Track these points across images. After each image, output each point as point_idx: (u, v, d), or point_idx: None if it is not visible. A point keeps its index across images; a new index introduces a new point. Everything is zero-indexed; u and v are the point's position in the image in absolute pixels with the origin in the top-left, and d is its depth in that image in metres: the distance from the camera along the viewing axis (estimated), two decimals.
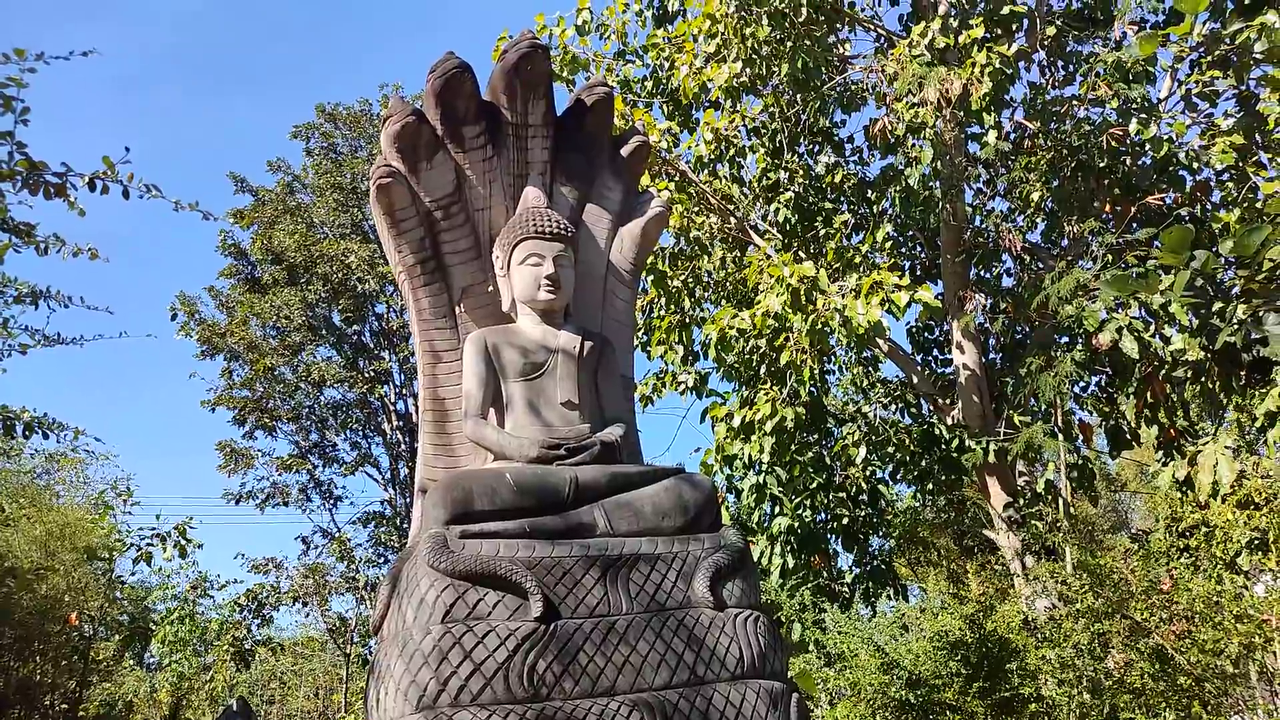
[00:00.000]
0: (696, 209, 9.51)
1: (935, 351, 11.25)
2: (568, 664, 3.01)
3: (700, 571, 3.37)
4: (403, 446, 19.05)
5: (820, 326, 6.88)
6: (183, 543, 12.95)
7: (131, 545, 12.53)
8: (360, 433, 19.70)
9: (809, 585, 8.09)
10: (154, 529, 12.20)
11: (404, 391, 19.49)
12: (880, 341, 9.79)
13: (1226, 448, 5.72)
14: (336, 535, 18.99)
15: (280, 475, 18.92)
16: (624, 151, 4.69)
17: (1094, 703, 4.91)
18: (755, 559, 8.65)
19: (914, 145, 7.37)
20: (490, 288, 4.32)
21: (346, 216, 19.01)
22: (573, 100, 4.67)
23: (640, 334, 10.30)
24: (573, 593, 3.17)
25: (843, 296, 7.01)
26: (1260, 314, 4.13)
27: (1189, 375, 5.53)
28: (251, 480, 18.75)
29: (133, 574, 15.14)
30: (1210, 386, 5.25)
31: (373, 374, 18.88)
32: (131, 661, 19.51)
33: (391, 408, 19.19)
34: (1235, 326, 4.17)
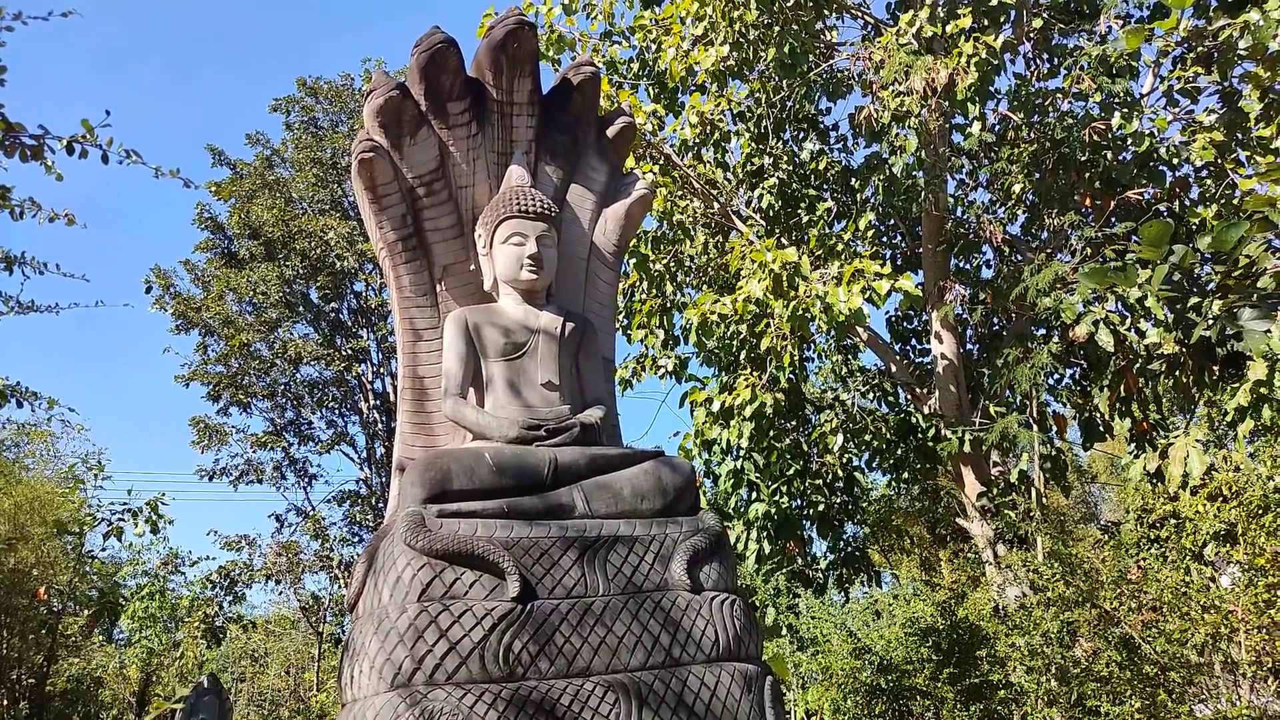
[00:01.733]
0: (680, 193, 9.48)
1: (914, 341, 11.31)
2: (544, 644, 3.01)
3: (678, 554, 3.37)
4: (379, 425, 18.94)
5: (801, 313, 6.89)
6: (155, 518, 12.87)
7: (102, 520, 12.43)
8: (336, 411, 19.56)
9: (784, 571, 8.14)
10: (125, 504, 12.10)
11: (381, 370, 19.36)
12: (860, 330, 9.84)
13: (1197, 441, 5.80)
14: (311, 514, 18.88)
15: (255, 452, 18.77)
16: (609, 132, 4.66)
17: (1061, 690, 4.99)
18: (732, 544, 8.70)
19: (899, 134, 7.38)
20: (472, 266, 4.28)
21: (326, 192, 18.80)
22: (559, 79, 4.62)
23: (621, 317, 10.28)
24: (550, 573, 3.16)
25: (824, 284, 7.02)
26: (1235, 309, 4.17)
27: (1163, 369, 5.60)
28: (225, 457, 18.61)
29: (103, 549, 15.00)
30: (1184, 380, 5.32)
31: (350, 352, 18.74)
32: (101, 637, 19.36)
33: (369, 386, 19.06)
34: (1210, 321, 4.21)
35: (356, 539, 18.78)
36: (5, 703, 12.80)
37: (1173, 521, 5.10)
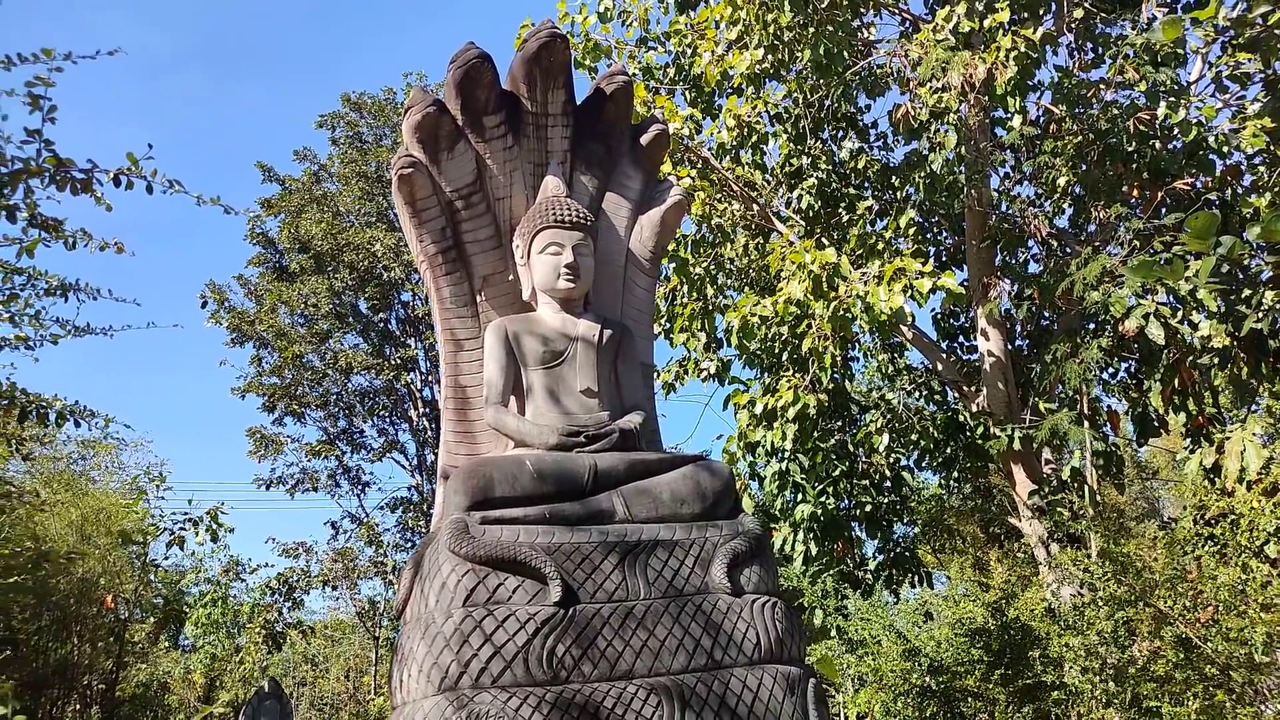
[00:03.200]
0: (718, 196, 9.48)
1: (961, 338, 11.18)
2: (586, 648, 3.06)
3: (718, 558, 3.40)
4: (429, 433, 19.22)
5: (842, 313, 6.86)
6: (215, 527, 13.20)
7: (165, 530, 12.78)
8: (387, 419, 19.90)
9: (831, 572, 8.09)
10: (186, 513, 12.43)
11: (430, 378, 19.65)
12: (904, 328, 9.75)
13: (1255, 434, 5.66)
14: (365, 520, 19.23)
15: (309, 461, 19.20)
16: (643, 140, 4.70)
17: (1117, 690, 4.89)
18: (778, 546, 8.68)
19: (938, 130, 7.29)
20: (510, 276, 4.35)
21: (372, 205, 19.15)
22: (592, 89, 4.68)
23: (663, 321, 10.31)
24: (591, 578, 3.21)
25: (865, 283, 6.98)
26: None
27: (1215, 362, 5.47)
28: (281, 466, 19.05)
29: (165, 558, 15.42)
30: (1237, 373, 5.18)
31: (399, 361, 19.05)
32: (167, 643, 19.91)
33: (417, 394, 19.35)
34: (1261, 313, 4.11)
35: (409, 545, 19.09)
36: (78, 707, 13.23)
37: (1228, 518, 4.98)
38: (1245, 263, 4.69)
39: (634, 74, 10.36)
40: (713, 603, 3.30)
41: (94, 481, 15.85)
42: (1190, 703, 4.77)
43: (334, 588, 18.96)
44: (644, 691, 3.01)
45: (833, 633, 6.88)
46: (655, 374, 11.99)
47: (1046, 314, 9.62)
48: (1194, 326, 6.30)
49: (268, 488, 19.01)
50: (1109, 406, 9.60)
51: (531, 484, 3.38)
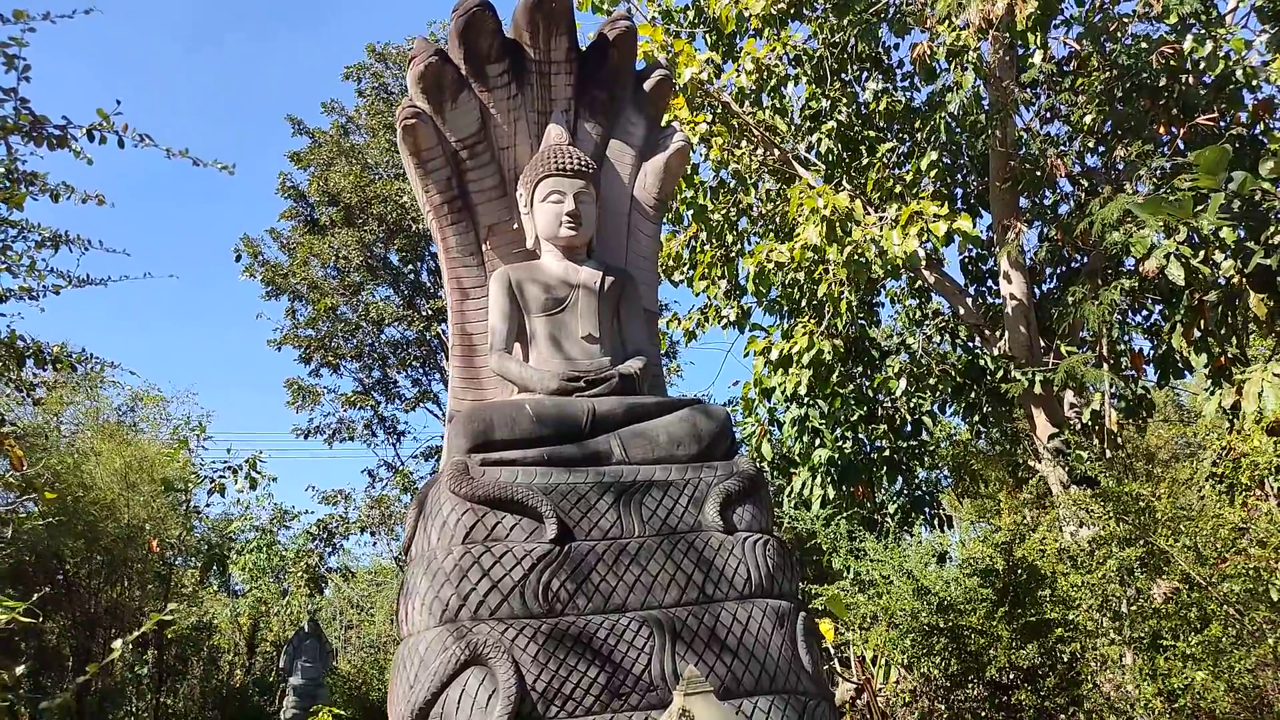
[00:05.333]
0: (739, 141, 9.40)
1: (990, 282, 11.06)
2: (580, 582, 3.18)
3: (711, 497, 3.49)
4: None
5: (857, 258, 6.84)
6: (254, 475, 13.61)
7: (205, 478, 13.22)
8: (420, 370, 20.19)
9: (846, 515, 8.17)
10: (225, 462, 12.84)
11: None
12: (928, 273, 9.67)
13: (1276, 374, 5.59)
14: (400, 469, 19.65)
15: (346, 411, 19.58)
16: (646, 86, 4.70)
17: (1114, 626, 4.95)
18: (797, 490, 8.77)
19: (955, 69, 7.15)
20: (515, 225, 4.42)
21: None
22: (595, 35, 4.67)
23: (685, 269, 10.32)
24: (587, 517, 3.32)
25: (880, 227, 6.94)
26: None
27: (1221, 299, 5.38)
28: (319, 416, 19.45)
29: (207, 505, 15.91)
30: (1242, 312, 5.11)
31: (430, 312, 19.25)
32: (215, 588, 20.64)
33: (448, 345, 19.58)
34: (1264, 249, 4.05)
35: None
36: (132, 648, 13.84)
37: (1227, 455, 4.96)
38: (1258, 199, 4.59)
39: (653, 18, 10.22)
40: (705, 540, 3.40)
41: (142, 432, 16.34)
42: (1209, 631, 4.76)
43: (371, 534, 19.47)
44: (636, 623, 3.13)
45: (847, 573, 6.99)
46: (665, 320, 12.01)
47: (1077, 256, 9.48)
48: (1216, 266, 6.20)
49: (306, 437, 19.46)
50: (1140, 349, 9.49)
51: (530, 427, 3.48)
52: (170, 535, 13.49)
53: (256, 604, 19.91)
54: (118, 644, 2.42)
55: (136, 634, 2.83)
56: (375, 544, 21.12)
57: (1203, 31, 6.86)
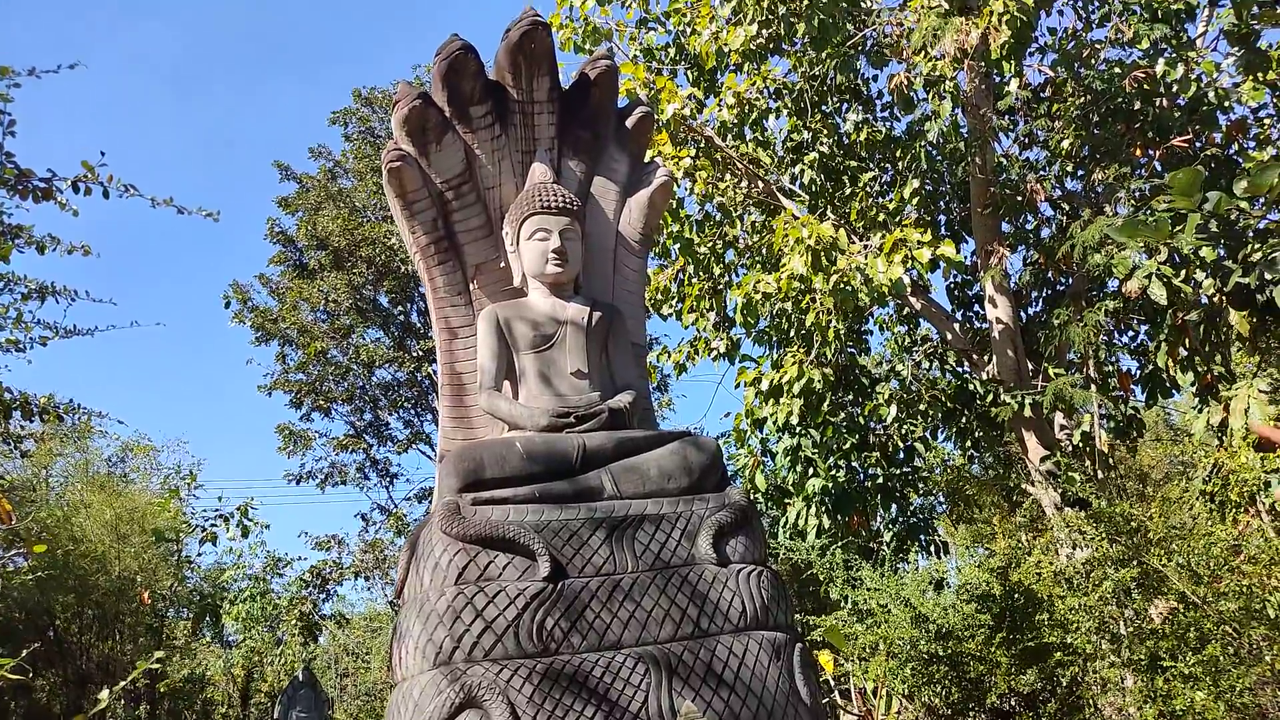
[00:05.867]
0: (723, 174, 9.50)
1: (977, 307, 11.14)
2: (575, 620, 3.16)
3: (704, 530, 3.48)
4: None
5: (843, 286, 6.88)
6: (247, 523, 13.51)
7: (197, 527, 13.11)
8: (412, 411, 20.13)
9: (842, 544, 8.14)
10: (217, 510, 12.75)
11: None
12: (914, 299, 9.74)
13: (1262, 390, 5.63)
14: (394, 512, 19.51)
15: (338, 455, 19.47)
16: (628, 123, 4.76)
17: (1112, 649, 4.92)
18: (792, 521, 8.74)
19: (933, 98, 7.26)
20: (502, 264, 4.44)
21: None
22: (577, 74, 4.73)
23: (674, 303, 10.37)
24: (579, 553, 3.30)
25: (864, 255, 7.00)
26: (1273, 255, 4.06)
27: (1201, 318, 5.43)
28: (311, 460, 19.34)
29: (199, 554, 15.80)
30: (1224, 330, 5.15)
31: (420, 353, 19.24)
32: (210, 639, 20.38)
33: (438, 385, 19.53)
34: (1241, 268, 4.10)
35: None
36: (123, 702, 13.62)
37: (1218, 474, 4.98)
38: (1233, 218, 4.66)
39: (635, 55, 10.37)
40: (699, 573, 3.38)
41: (132, 483, 16.23)
42: (1208, 650, 4.75)
43: (366, 579, 19.28)
44: (632, 660, 3.10)
45: (844, 603, 6.95)
46: (655, 353, 11.99)
47: (1061, 279, 9.57)
48: (1198, 285, 6.26)
49: (298, 482, 19.33)
50: (1128, 370, 9.54)
51: (521, 464, 3.48)
52: (162, 586, 13.35)
53: (250, 654, 19.65)
54: (104, 694, 2.39)
55: (124, 684, 2.79)
56: (370, 589, 20.90)
57: (1174, 55, 7.00)
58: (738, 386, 9.14)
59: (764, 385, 7.98)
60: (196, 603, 15.96)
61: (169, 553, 13.76)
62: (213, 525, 12.67)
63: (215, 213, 4.79)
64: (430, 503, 19.76)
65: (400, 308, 19.71)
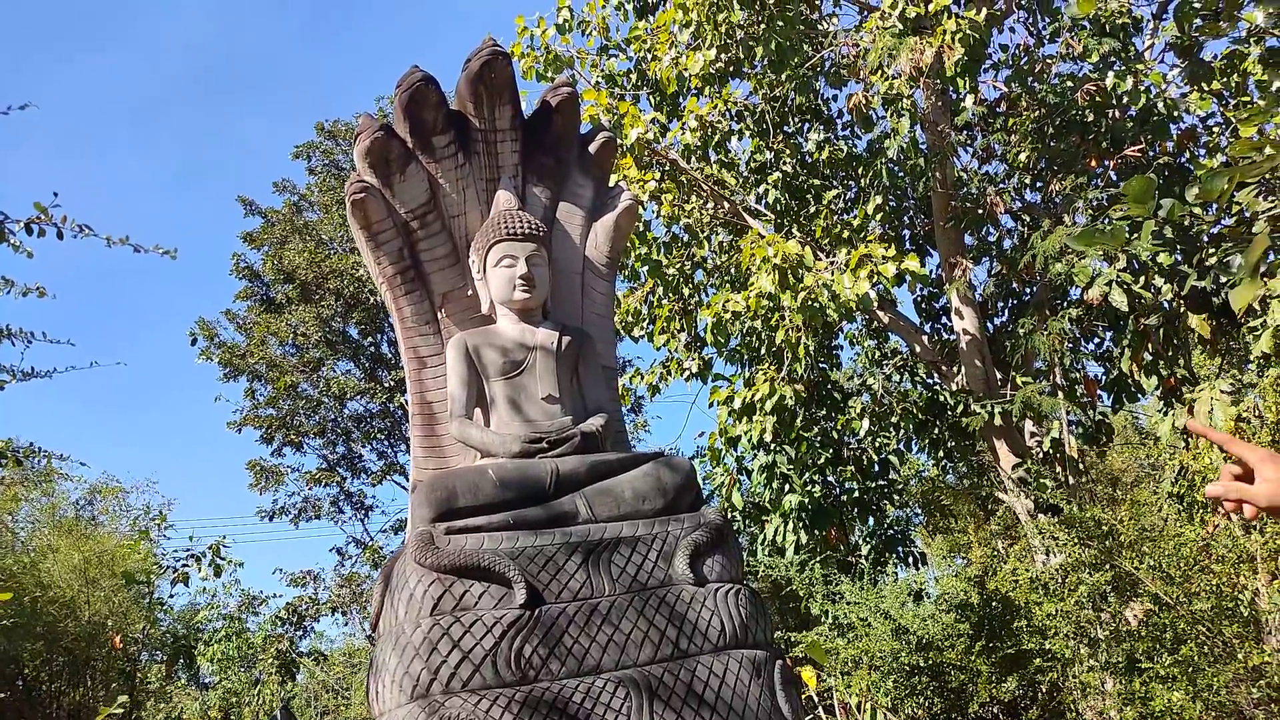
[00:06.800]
0: (689, 196, 9.58)
1: (945, 319, 11.27)
2: (553, 646, 3.14)
3: (680, 550, 3.47)
4: None
5: (811, 303, 6.95)
6: (219, 562, 13.29)
7: (168, 568, 12.87)
8: (385, 442, 19.98)
9: (820, 559, 8.16)
10: (189, 550, 12.53)
11: None
12: (882, 313, 9.84)
13: (1224, 391, 5.74)
14: (369, 545, 19.30)
15: (311, 489, 19.27)
16: (591, 148, 4.79)
17: (1089, 652, 4.97)
18: (770, 537, 8.75)
19: (892, 116, 7.39)
20: (470, 291, 4.44)
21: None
22: (539, 103, 4.77)
23: (645, 324, 10.40)
24: (555, 579, 3.29)
25: (831, 272, 7.08)
26: (1227, 258, 4.16)
27: (1160, 323, 5.54)
28: (283, 496, 19.13)
29: (171, 595, 15.51)
30: (1184, 333, 5.26)
31: (392, 384, 19.13)
32: (185, 681, 19.98)
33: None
34: (1197, 272, 4.19)
35: None
36: None
37: (1185, 475, 5.06)
38: (1187, 224, 4.77)
39: (597, 82, 10.45)
40: (676, 594, 3.38)
41: (101, 525, 15.91)
42: (1183, 650, 4.80)
43: (343, 614, 19.03)
44: (612, 685, 3.09)
45: (824, 618, 6.96)
46: (628, 375, 12.01)
47: (1026, 289, 9.72)
48: (1157, 291, 6.39)
49: (271, 519, 19.10)
50: (1094, 376, 9.68)
51: (494, 492, 3.46)
52: (134, 630, 13.07)
53: (227, 695, 19.29)
54: None
55: None
56: (348, 624, 20.61)
57: (1123, 68, 7.17)
58: (711, 405, 9.17)
59: (737, 404, 8.02)
60: (170, 645, 15.65)
61: (140, 595, 13.49)
62: (184, 566, 12.44)
63: (173, 250, 4.73)
64: (406, 534, 19.66)
65: (370, 339, 19.61)
